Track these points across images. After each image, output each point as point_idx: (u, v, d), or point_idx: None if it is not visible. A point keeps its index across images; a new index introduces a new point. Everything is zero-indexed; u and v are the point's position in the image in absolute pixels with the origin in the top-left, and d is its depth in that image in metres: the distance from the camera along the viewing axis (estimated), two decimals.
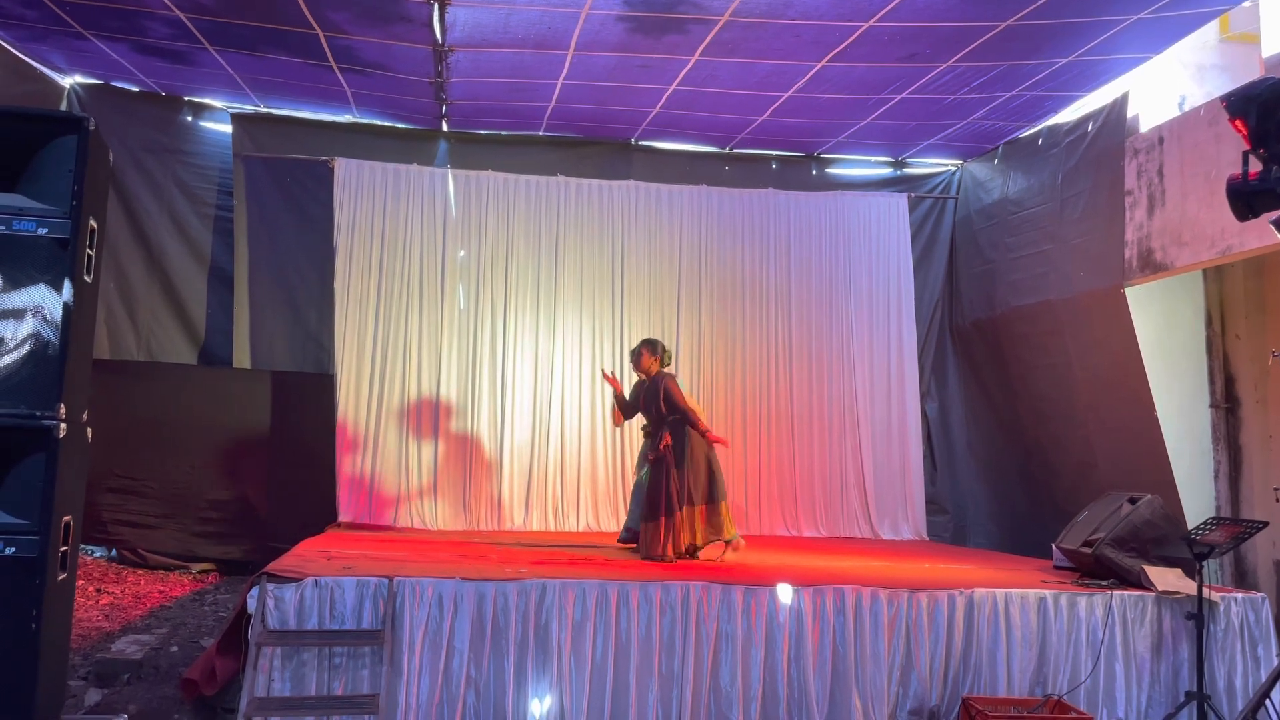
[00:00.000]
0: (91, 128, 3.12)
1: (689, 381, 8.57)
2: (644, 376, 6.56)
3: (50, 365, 3.02)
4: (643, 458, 6.74)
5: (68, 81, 7.79)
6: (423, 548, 6.46)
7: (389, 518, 7.93)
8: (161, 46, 6.89)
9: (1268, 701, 4.51)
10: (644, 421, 6.68)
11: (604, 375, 6.79)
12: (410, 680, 4.56)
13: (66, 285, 3.04)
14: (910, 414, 8.91)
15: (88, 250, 3.15)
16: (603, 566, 5.73)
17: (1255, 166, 4.26)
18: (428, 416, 8.21)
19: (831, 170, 9.20)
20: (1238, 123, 4.31)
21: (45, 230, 3.03)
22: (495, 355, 8.38)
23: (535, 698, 4.65)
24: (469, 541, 7.01)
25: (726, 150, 8.95)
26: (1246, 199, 4.31)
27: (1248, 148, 4.27)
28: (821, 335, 8.90)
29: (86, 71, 7.68)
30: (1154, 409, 6.73)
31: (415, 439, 8.16)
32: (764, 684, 4.84)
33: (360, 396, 8.12)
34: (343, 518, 7.78)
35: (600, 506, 8.35)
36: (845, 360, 8.89)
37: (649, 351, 6.53)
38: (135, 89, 7.97)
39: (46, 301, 3.03)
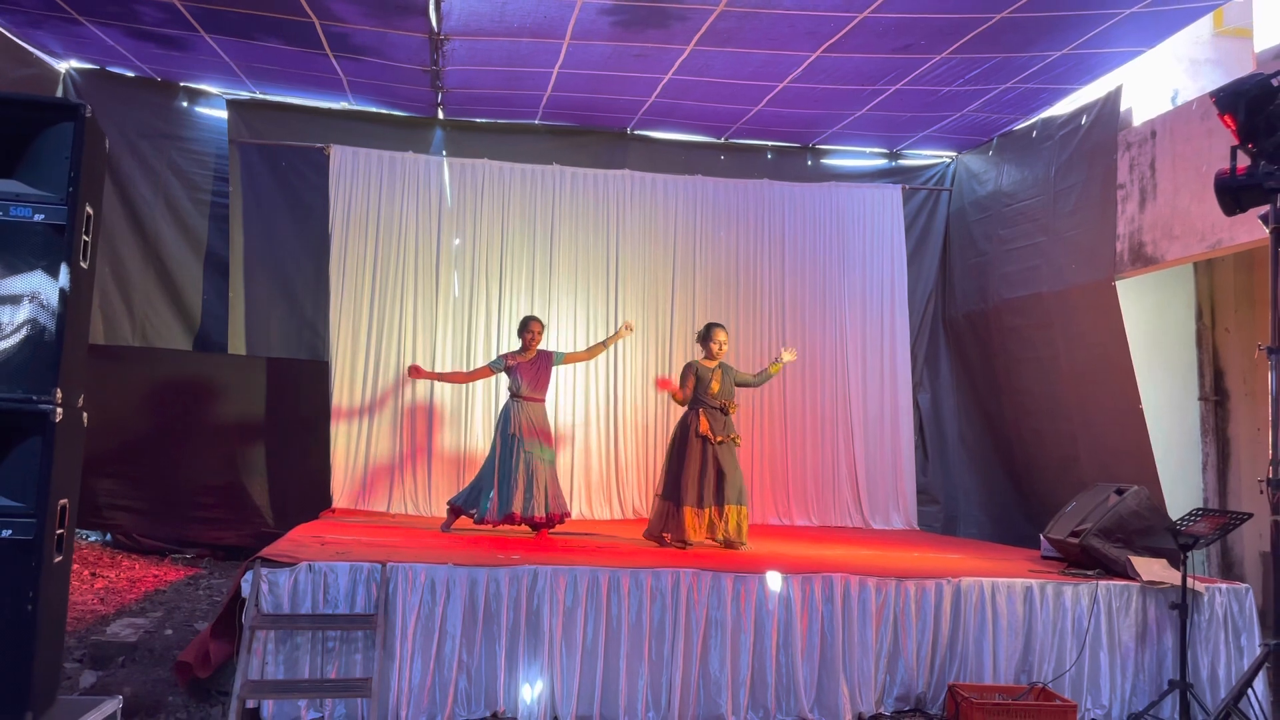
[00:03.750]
0: (88, 114, 3.15)
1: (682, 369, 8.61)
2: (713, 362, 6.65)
3: (47, 350, 3.05)
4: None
5: (63, 67, 7.78)
6: (416, 534, 6.50)
7: (383, 504, 7.96)
8: (156, 32, 6.89)
9: (1250, 690, 4.57)
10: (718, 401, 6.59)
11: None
12: (403, 664, 4.60)
13: (63, 271, 3.07)
14: (902, 405, 8.95)
15: (84, 236, 3.18)
16: (594, 553, 5.78)
17: (1244, 161, 4.31)
18: (422, 403, 8.24)
19: (826, 161, 9.23)
20: (1227, 118, 4.35)
21: (42, 216, 3.06)
22: (490, 343, 8.40)
23: (526, 682, 4.70)
24: (463, 528, 7.04)
25: (722, 140, 8.97)
26: (1234, 194, 4.36)
27: (1236, 143, 4.31)
28: (815, 325, 8.93)
29: (82, 57, 7.68)
30: (1139, 402, 6.78)
31: (410, 426, 8.19)
32: (753, 670, 4.89)
33: (355, 383, 8.14)
34: (337, 504, 7.81)
35: (594, 493, 8.39)
36: (838, 350, 8.93)
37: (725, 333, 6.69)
38: (131, 74, 7.97)
39: (43, 287, 3.06)
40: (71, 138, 3.10)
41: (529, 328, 6.92)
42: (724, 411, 6.55)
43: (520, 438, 6.69)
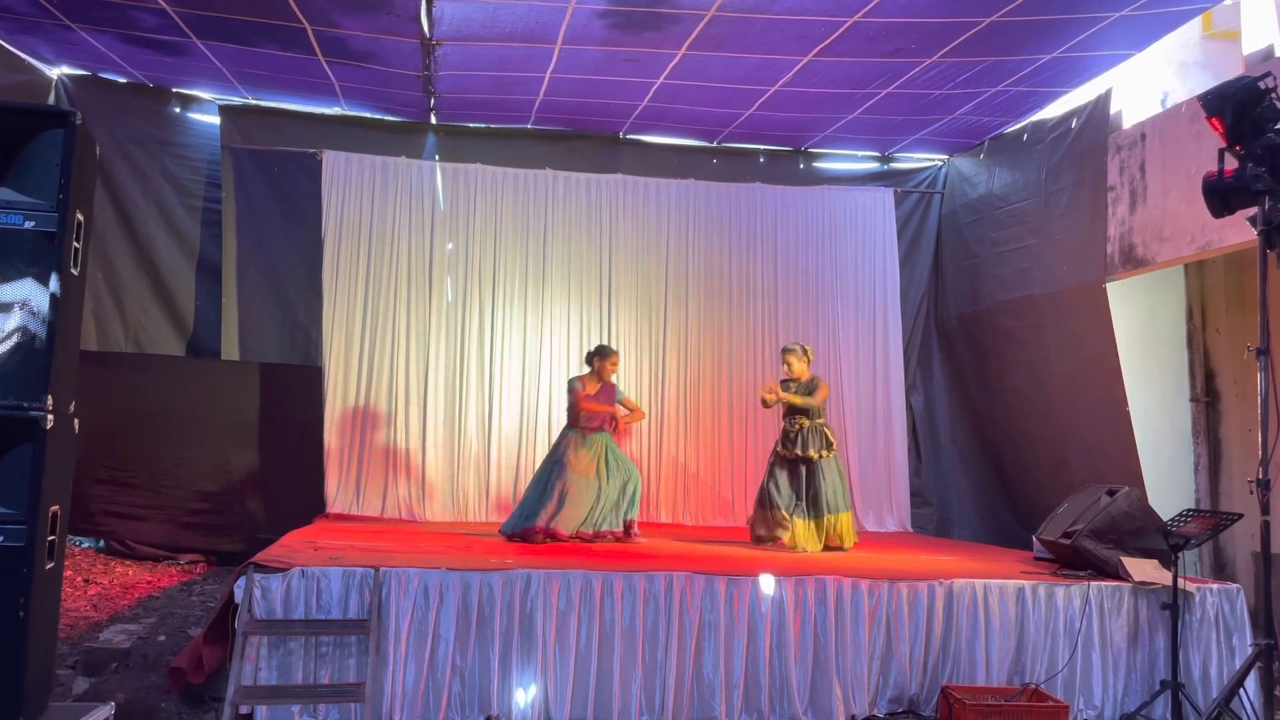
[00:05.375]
0: (78, 121, 3.15)
1: (675, 374, 8.64)
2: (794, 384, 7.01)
3: (37, 358, 3.05)
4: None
5: (55, 73, 7.78)
6: (410, 539, 6.50)
7: (377, 509, 7.96)
8: (149, 38, 6.89)
9: (1241, 690, 4.58)
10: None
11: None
12: (396, 669, 4.61)
13: (53, 278, 3.07)
14: (895, 407, 8.97)
15: (74, 243, 3.18)
16: (587, 556, 5.78)
17: (1232, 164, 4.33)
18: (415, 409, 8.24)
19: (818, 165, 9.25)
20: (1214, 121, 4.38)
21: (32, 224, 3.07)
22: (483, 348, 8.41)
23: (520, 686, 4.70)
24: (456, 533, 7.05)
25: (714, 144, 8.99)
26: (1222, 196, 4.39)
27: (1224, 145, 4.34)
28: (808, 329, 8.94)
29: (74, 63, 7.68)
30: (1126, 404, 6.81)
31: (403, 431, 8.19)
32: (746, 673, 4.90)
33: (348, 388, 8.14)
34: (330, 509, 7.81)
35: None
36: (831, 353, 8.94)
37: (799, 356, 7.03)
38: (123, 80, 7.96)
39: (33, 295, 3.06)
40: (62, 145, 3.11)
41: (609, 358, 6.93)
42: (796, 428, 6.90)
43: (563, 462, 6.79)
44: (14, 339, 3.04)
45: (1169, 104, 7.02)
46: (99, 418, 7.15)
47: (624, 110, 8.12)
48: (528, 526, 6.56)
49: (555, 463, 6.82)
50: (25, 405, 3.01)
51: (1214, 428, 7.59)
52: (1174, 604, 5.07)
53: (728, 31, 6.40)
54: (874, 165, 9.30)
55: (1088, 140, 7.27)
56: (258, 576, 4.58)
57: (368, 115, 8.49)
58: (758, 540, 6.87)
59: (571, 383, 6.98)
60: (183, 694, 4.57)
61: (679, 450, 8.62)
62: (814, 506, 6.75)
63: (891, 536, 8.27)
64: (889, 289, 9.09)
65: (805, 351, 7.03)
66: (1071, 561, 5.75)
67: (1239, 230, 5.67)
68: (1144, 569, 5.41)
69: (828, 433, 6.91)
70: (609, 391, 6.95)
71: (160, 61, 7.43)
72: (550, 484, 6.72)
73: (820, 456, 6.80)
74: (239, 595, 4.51)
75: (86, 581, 6.74)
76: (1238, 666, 4.98)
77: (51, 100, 7.70)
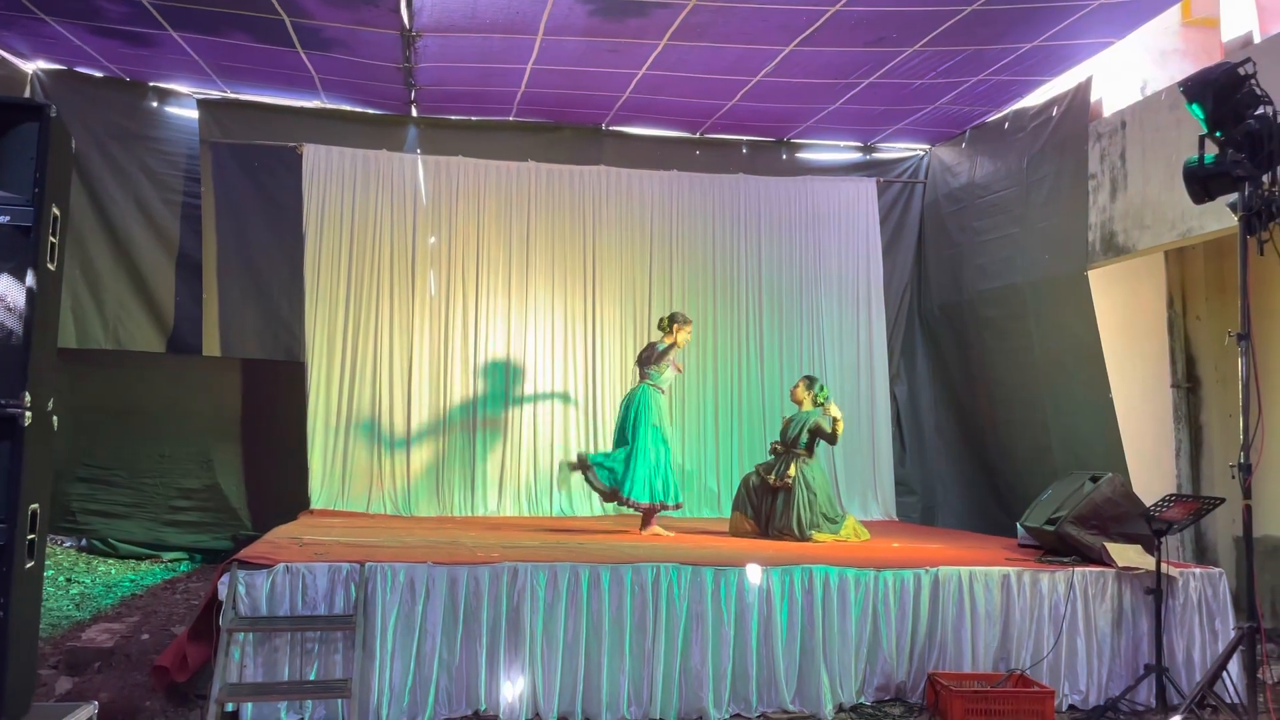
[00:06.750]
0: (53, 114, 3.11)
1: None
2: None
3: (14, 354, 3.01)
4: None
5: (30, 67, 7.68)
6: (395, 533, 6.47)
7: (361, 504, 7.92)
8: (122, 29, 6.81)
9: (1224, 673, 4.63)
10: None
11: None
12: (383, 664, 4.58)
13: (29, 273, 3.03)
14: (879, 396, 9.00)
15: (51, 238, 3.14)
16: (574, 549, 5.76)
17: (1212, 150, 4.35)
18: (399, 403, 8.21)
19: (801, 155, 9.25)
20: (1194, 107, 4.40)
21: (7, 218, 3.02)
22: (467, 341, 8.38)
23: (508, 680, 4.69)
24: (442, 527, 7.03)
25: (697, 135, 8.97)
26: (1203, 182, 4.41)
27: (1205, 132, 4.36)
28: (792, 318, 8.97)
29: (49, 57, 7.58)
30: (1109, 392, 6.85)
31: (387, 425, 8.16)
32: (734, 663, 4.90)
33: (332, 383, 8.10)
34: (315, 504, 7.77)
35: (573, 490, 8.37)
36: (815, 343, 8.97)
37: (804, 386, 7.16)
38: (99, 75, 7.87)
39: (9, 290, 3.02)
40: (36, 138, 3.06)
41: (687, 325, 7.17)
42: (777, 454, 7.06)
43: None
44: None
45: (1149, 92, 7.05)
46: (79, 415, 7.10)
47: (606, 102, 8.10)
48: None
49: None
50: (3, 402, 2.98)
51: (1195, 413, 7.64)
52: (1157, 589, 5.10)
53: (709, 21, 6.39)
54: (856, 155, 9.31)
55: (1068, 129, 7.30)
56: (242, 573, 4.55)
57: (348, 108, 8.43)
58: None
59: (665, 347, 7.08)
60: (167, 692, 4.54)
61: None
62: (786, 530, 6.72)
63: (877, 525, 8.26)
64: (872, 279, 9.12)
65: (812, 384, 7.12)
66: (1056, 548, 5.78)
67: (1219, 217, 5.72)
68: (1127, 554, 5.44)
69: (794, 464, 6.84)
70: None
71: (135, 54, 7.35)
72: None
73: (781, 483, 6.82)
74: (223, 592, 4.47)
75: (68, 580, 6.68)
76: (1220, 650, 5.02)
77: (27, 95, 7.60)
